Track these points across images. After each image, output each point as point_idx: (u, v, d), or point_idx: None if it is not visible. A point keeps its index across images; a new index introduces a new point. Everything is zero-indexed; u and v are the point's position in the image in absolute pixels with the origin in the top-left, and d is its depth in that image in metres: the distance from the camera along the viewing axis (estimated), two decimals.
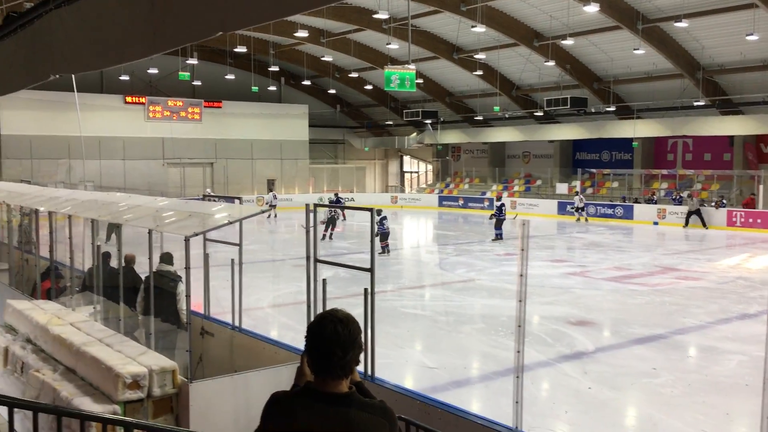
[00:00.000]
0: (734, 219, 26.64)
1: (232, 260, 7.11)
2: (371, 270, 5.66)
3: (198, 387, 5.37)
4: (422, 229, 27.67)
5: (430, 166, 46.86)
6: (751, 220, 26.29)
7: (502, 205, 23.39)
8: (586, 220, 30.28)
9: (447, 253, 20.78)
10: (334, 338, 2.24)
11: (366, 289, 5.63)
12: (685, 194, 29.44)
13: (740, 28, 23.68)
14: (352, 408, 2.26)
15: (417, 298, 13.93)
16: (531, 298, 12.93)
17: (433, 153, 45.03)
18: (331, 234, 23.06)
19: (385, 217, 19.15)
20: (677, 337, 10.33)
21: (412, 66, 17.97)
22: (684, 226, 27.18)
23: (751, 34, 22.90)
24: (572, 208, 31.05)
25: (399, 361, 9.00)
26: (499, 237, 22.69)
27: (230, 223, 5.57)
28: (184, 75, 31.78)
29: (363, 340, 2.32)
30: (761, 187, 27.61)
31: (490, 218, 24.08)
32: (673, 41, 26.60)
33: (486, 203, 36.80)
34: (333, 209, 23.16)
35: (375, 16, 24.33)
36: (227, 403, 5.49)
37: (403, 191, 45.71)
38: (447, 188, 42.33)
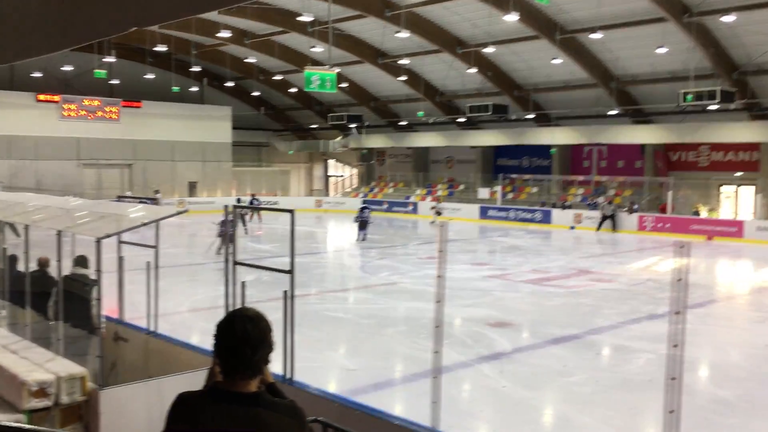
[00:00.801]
0: (645, 224, 27.83)
1: (148, 263, 6.91)
2: (291, 272, 5.62)
3: (109, 394, 5.19)
4: (346, 233, 27.65)
5: (354, 171, 46.94)
6: (660, 225, 27.52)
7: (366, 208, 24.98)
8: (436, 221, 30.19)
9: (370, 256, 20.85)
10: (244, 337, 2.19)
11: (285, 292, 5.58)
12: (601, 199, 30.47)
13: (651, 41, 24.80)
14: (260, 408, 2.21)
15: (340, 302, 13.91)
16: (452, 301, 13.13)
17: (358, 157, 45.15)
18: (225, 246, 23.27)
19: (366, 207, 23.87)
20: (590, 336, 10.69)
21: (336, 69, 17.93)
22: (596, 230, 28.21)
23: (661, 47, 24.02)
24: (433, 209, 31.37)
25: (320, 365, 8.95)
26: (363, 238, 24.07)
27: (145, 224, 5.42)
28: (101, 73, 30.75)
29: (273, 339, 2.28)
30: (669, 193, 28.95)
31: (432, 223, 24.81)
32: (588, 52, 27.60)
33: (410, 207, 37.18)
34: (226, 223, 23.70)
35: (299, 18, 24.22)
36: (140, 409, 5.33)
37: (327, 195, 45.60)
38: (371, 192, 42.50)
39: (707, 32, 24.01)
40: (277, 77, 37.54)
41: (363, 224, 24.00)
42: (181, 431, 2.26)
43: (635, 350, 9.79)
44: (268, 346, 2.27)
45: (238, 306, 5.98)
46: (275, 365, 5.50)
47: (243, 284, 5.91)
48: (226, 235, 5.76)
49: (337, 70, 18.06)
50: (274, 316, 5.51)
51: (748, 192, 29.38)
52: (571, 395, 8.00)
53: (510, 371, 8.79)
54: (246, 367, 2.21)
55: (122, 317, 7.24)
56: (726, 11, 21.17)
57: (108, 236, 5.17)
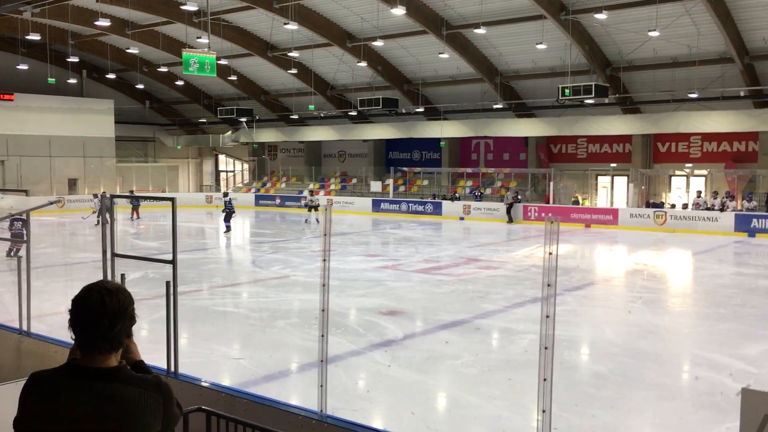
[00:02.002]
0: (529, 213, 29.01)
1: (18, 257, 6.52)
2: (173, 262, 5.46)
3: None
4: (238, 228, 27.15)
5: (246, 165, 46.18)
6: (544, 214, 28.76)
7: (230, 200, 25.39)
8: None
9: (262, 251, 20.60)
10: (101, 309, 2.10)
11: (168, 282, 5.42)
12: (510, 192, 30.36)
13: (531, 37, 25.85)
14: (120, 383, 2.12)
15: (231, 296, 13.66)
16: (344, 292, 13.23)
17: (249, 152, 44.45)
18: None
19: (231, 199, 24.54)
20: (478, 321, 11.04)
21: (214, 52, 17.55)
22: (509, 222, 28.82)
23: (541, 44, 25.07)
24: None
25: (210, 359, 8.78)
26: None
27: (12, 215, 5.10)
28: None
29: (135, 312, 2.20)
30: (551, 183, 30.31)
31: (306, 222, 25.08)
32: (474, 47, 28.41)
33: (303, 201, 36.98)
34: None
35: (183, 7, 23.49)
36: (11, 411, 5.02)
37: (218, 190, 44.60)
38: (264, 187, 41.97)
39: (582, 30, 25.31)
40: (162, 69, 36.29)
41: (230, 215, 24.77)
42: (35, 412, 2.13)
43: (519, 332, 10.20)
44: (129, 319, 2.18)
45: None
46: (159, 359, 5.37)
47: (122, 276, 5.69)
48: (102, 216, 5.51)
49: (214, 54, 17.66)
50: (161, 312, 5.36)
51: (621, 182, 31.24)
52: (459, 376, 8.24)
53: (401, 357, 8.94)
54: (104, 340, 2.11)
55: None
56: (598, 9, 22.36)
57: None
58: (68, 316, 2.14)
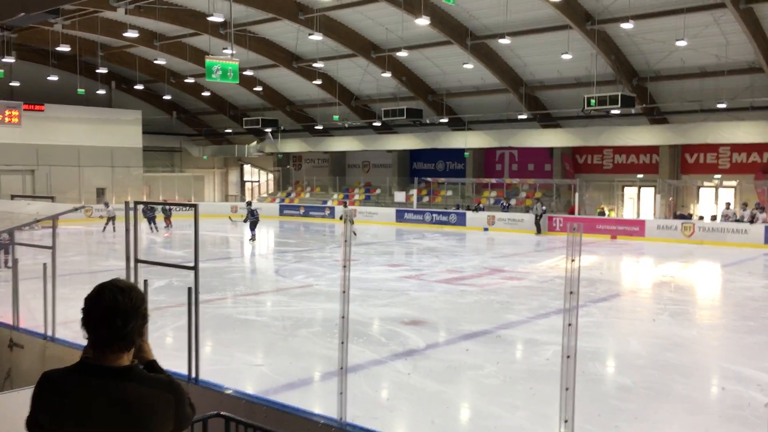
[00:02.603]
0: (554, 224, 28.76)
1: (44, 264, 6.61)
2: (195, 269, 5.48)
3: (1, 400, 4.92)
4: (262, 237, 27.29)
5: (271, 175, 46.46)
6: (569, 225, 28.48)
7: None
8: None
9: (286, 260, 20.67)
10: (113, 307, 2.10)
11: (190, 288, 5.44)
12: (539, 203, 29.80)
13: (556, 47, 25.71)
14: (132, 382, 2.11)
15: (254, 305, 13.70)
16: (368, 301, 13.20)
17: (274, 162, 44.73)
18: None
19: (255, 208, 24.93)
20: (501, 331, 10.94)
21: (237, 59, 17.74)
22: (537, 233, 28.51)
23: (566, 54, 24.93)
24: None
25: (231, 366, 8.80)
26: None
27: (37, 221, 5.17)
28: None
29: (148, 311, 2.19)
30: (576, 194, 30.03)
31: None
32: (498, 57, 28.35)
33: (327, 212, 37.09)
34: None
35: (209, 18, 23.78)
36: None
37: (243, 200, 44.90)
38: (288, 197, 42.18)
39: (608, 40, 25.12)
40: (189, 80, 36.73)
41: (255, 224, 25.02)
42: (46, 410, 2.13)
43: (543, 343, 10.08)
44: (141, 317, 2.18)
45: None
46: (180, 364, 5.39)
47: (145, 283, 5.72)
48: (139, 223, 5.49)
49: (237, 61, 17.83)
50: (184, 320, 5.38)
51: (648, 193, 30.86)
52: (481, 387, 8.16)
53: (423, 367, 8.88)
54: (116, 338, 2.11)
55: (16, 323, 6.89)
56: (625, 19, 22.19)
57: None
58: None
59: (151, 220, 28.62)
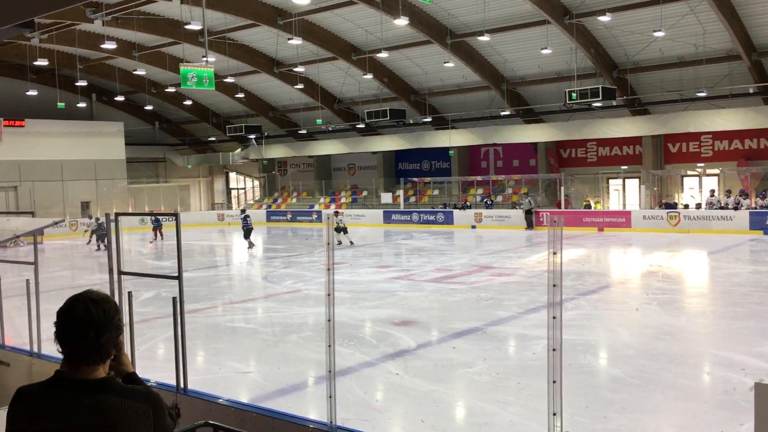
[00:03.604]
0: (542, 219, 28.85)
1: (27, 281, 6.54)
2: (179, 278, 5.44)
3: None
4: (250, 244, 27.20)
5: (257, 182, 46.33)
6: (555, 219, 28.57)
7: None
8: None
9: (274, 266, 20.60)
10: (87, 319, 2.07)
11: (174, 298, 5.40)
12: (527, 199, 30.00)
13: (536, 43, 25.81)
14: (107, 394, 2.08)
15: (243, 312, 13.64)
16: (357, 303, 13.19)
17: (259, 168, 44.62)
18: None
19: (248, 216, 24.45)
20: (491, 328, 10.95)
21: (211, 67, 17.71)
22: (526, 228, 28.65)
23: (546, 48, 25.02)
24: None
25: (221, 375, 8.75)
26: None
27: (17, 236, 5.12)
28: None
29: (122, 321, 2.17)
30: (562, 188, 30.16)
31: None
32: (479, 55, 28.42)
33: (314, 216, 37.02)
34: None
35: (187, 27, 23.71)
36: None
37: (230, 208, 44.75)
38: (275, 203, 42.07)
39: (587, 33, 25.25)
40: (170, 90, 36.56)
41: (248, 232, 24.61)
42: (22, 426, 2.10)
43: (533, 338, 10.09)
44: (115, 329, 2.15)
45: (125, 317, 5.75)
46: (170, 375, 5.35)
47: (129, 294, 5.68)
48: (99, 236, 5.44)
49: (212, 67, 17.78)
50: (172, 331, 5.33)
51: (633, 184, 31.04)
52: (473, 384, 8.16)
53: (414, 367, 8.87)
54: (91, 351, 2.09)
55: (2, 341, 6.82)
56: (602, 12, 22.31)
57: None
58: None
59: (101, 238, 26.45)
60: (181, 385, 5.43)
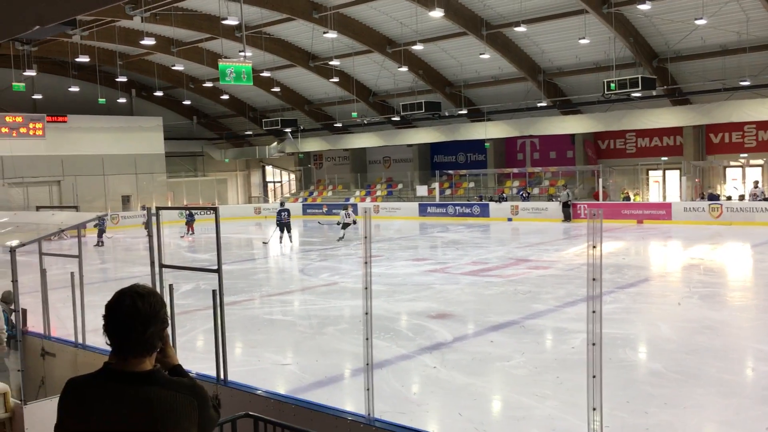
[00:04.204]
0: (579, 211, 28.51)
1: (72, 273, 6.70)
2: (218, 271, 5.53)
3: (33, 409, 5.02)
4: (286, 237, 27.41)
5: (293, 175, 46.65)
6: (594, 212, 28.20)
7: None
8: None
9: (311, 259, 20.75)
10: (134, 312, 2.13)
11: (214, 291, 5.49)
12: (565, 191, 29.63)
13: (573, 32, 25.45)
14: (153, 386, 2.14)
15: (280, 305, 13.78)
16: (393, 296, 13.22)
17: (295, 162, 44.90)
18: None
19: (284, 210, 23.94)
20: (528, 321, 10.88)
21: (249, 62, 17.87)
22: (564, 220, 28.40)
23: (583, 38, 24.66)
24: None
25: (260, 367, 8.86)
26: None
27: (62, 230, 5.25)
28: (18, 86, 29.39)
29: (167, 315, 2.21)
30: (600, 180, 29.75)
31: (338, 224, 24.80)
32: (515, 46, 28.14)
33: (350, 209, 37.08)
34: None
35: (224, 22, 23.94)
36: None
37: (266, 201, 45.18)
38: (311, 196, 42.32)
39: (626, 22, 24.81)
40: (208, 84, 36.99)
41: (284, 226, 23.79)
42: (71, 416, 2.17)
43: (571, 331, 10.00)
44: (161, 322, 2.20)
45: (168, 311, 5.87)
46: (210, 366, 5.44)
47: (171, 287, 5.78)
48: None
49: (250, 63, 17.93)
50: (212, 322, 5.43)
51: (673, 176, 30.46)
52: (510, 378, 8.13)
53: (451, 360, 8.87)
54: (137, 344, 2.14)
55: (47, 332, 7.00)
56: (642, 0, 21.88)
57: (22, 245, 4.99)
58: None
59: (100, 233, 26.24)
60: (221, 377, 5.52)
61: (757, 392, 7.34)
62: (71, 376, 6.11)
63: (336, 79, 32.95)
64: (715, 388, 7.36)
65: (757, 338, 9.79)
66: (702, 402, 6.99)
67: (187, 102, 40.12)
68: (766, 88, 25.11)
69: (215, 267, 5.56)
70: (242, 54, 27.42)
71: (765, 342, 9.41)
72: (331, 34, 26.54)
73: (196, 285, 14.54)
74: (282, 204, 26.52)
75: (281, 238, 23.96)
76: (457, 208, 32.82)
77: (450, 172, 37.13)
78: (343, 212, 24.84)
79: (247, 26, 27.60)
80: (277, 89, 36.01)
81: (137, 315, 2.13)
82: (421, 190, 36.32)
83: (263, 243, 24.61)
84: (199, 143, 45.47)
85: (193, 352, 9.49)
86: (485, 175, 36.06)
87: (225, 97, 39.41)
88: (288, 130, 38.55)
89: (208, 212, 35.78)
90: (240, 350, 9.79)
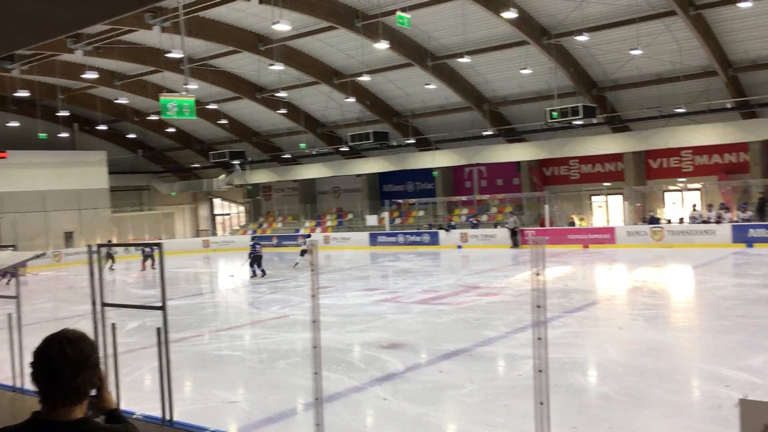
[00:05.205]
0: (527, 237, 28.94)
1: (9, 315, 6.45)
2: (163, 308, 5.40)
3: None
4: (236, 271, 27.05)
5: (241, 208, 46.22)
6: (537, 239, 28.69)
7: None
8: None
9: (261, 292, 20.48)
10: (62, 359, 2.05)
11: (158, 329, 5.35)
12: (513, 218, 30.13)
13: (516, 63, 26.11)
14: None
15: (230, 340, 13.52)
16: (345, 327, 13.12)
17: (244, 194, 44.53)
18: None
19: (257, 243, 23.86)
20: (479, 348, 10.92)
21: (192, 96, 17.75)
22: (512, 247, 28.73)
23: (525, 69, 25.31)
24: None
25: (208, 405, 8.65)
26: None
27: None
28: None
29: (99, 360, 2.14)
30: (546, 206, 30.33)
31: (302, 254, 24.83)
32: (460, 76, 28.68)
33: (300, 240, 36.87)
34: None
35: (168, 55, 23.75)
36: None
37: (215, 234, 44.61)
38: (260, 228, 41.94)
39: (565, 53, 25.58)
40: (153, 117, 36.49)
41: (256, 260, 23.67)
42: None
43: (520, 357, 10.07)
44: (92, 368, 2.12)
45: (109, 348, 5.69)
46: (157, 407, 5.28)
47: (113, 326, 5.62)
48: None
49: (193, 96, 17.83)
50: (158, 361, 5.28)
51: (616, 200, 31.27)
52: (462, 406, 8.12)
53: (403, 390, 8.82)
54: (67, 391, 2.06)
55: None
56: (579, 32, 22.63)
57: None
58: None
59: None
60: (167, 418, 5.36)
61: (703, 412, 7.50)
62: (9, 422, 5.84)
63: (284, 111, 32.95)
64: (662, 410, 7.49)
65: (701, 358, 10.03)
66: (649, 424, 7.10)
67: (131, 135, 39.51)
68: (701, 114, 26.14)
69: (160, 304, 5.43)
70: (186, 87, 27.20)
71: (708, 362, 9.65)
72: (278, 66, 26.61)
73: (143, 322, 14.17)
74: (253, 238, 26.77)
75: (254, 271, 23.69)
76: (407, 236, 32.97)
77: (399, 201, 37.36)
78: (306, 240, 25.33)
79: (192, 59, 27.47)
80: (224, 121, 35.80)
81: (66, 362, 2.05)
82: (371, 220, 36.39)
83: (230, 276, 24.35)
84: (144, 177, 44.72)
85: (139, 392, 9.21)
86: (434, 204, 36.39)
87: (171, 129, 38.96)
88: (236, 162, 38.29)
89: (154, 248, 35.10)
90: (188, 388, 9.55)
